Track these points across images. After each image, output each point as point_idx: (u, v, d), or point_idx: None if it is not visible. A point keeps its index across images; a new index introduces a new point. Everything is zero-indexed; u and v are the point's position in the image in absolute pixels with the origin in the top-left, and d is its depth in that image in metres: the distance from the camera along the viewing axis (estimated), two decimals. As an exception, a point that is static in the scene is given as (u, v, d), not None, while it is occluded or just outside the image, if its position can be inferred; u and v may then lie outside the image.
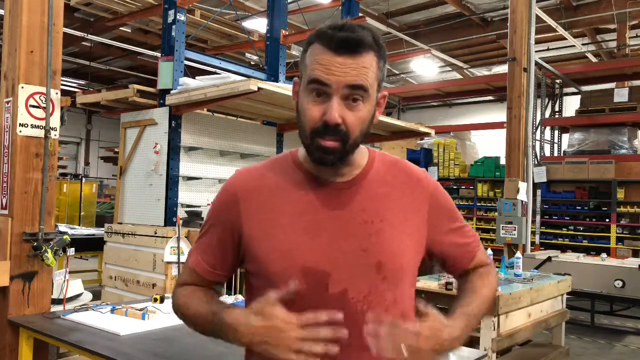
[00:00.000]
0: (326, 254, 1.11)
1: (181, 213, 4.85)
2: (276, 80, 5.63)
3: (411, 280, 1.21)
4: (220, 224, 1.22)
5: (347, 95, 1.08)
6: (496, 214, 7.73)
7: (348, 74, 1.07)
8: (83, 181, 13.73)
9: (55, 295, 3.19)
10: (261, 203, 1.16)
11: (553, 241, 9.32)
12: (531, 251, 7.51)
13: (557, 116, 11.19)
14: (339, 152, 1.10)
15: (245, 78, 4.40)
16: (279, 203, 1.15)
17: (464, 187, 11.01)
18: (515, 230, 7.16)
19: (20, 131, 2.93)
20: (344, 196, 1.15)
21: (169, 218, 4.73)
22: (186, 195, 5.07)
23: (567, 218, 9.42)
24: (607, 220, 8.96)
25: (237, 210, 1.18)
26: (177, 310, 1.31)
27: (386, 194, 1.18)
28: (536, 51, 7.86)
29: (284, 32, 5.80)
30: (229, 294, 4.52)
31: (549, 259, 6.70)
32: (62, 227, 7.46)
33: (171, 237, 4.44)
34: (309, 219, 1.13)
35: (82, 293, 3.62)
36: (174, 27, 4.84)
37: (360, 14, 6.66)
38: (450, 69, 14.32)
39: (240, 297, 3.43)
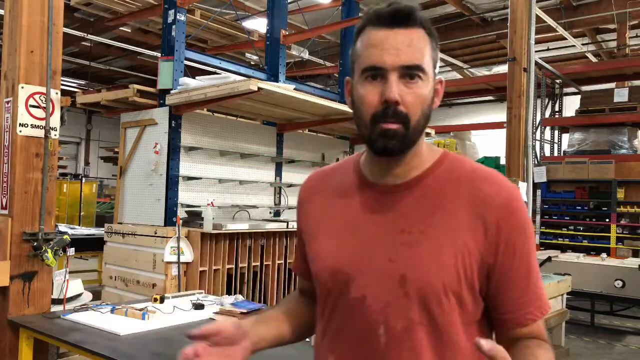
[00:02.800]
0: (353, 258, 1.07)
1: (181, 213, 4.85)
2: (276, 80, 5.63)
3: (464, 317, 1.03)
4: (297, 225, 1.28)
5: (404, 75, 1.01)
6: (496, 214, 7.72)
7: (403, 52, 1.00)
8: (83, 181, 13.74)
9: (55, 295, 3.19)
10: (318, 205, 1.19)
11: (553, 241, 9.32)
12: (531, 251, 7.50)
13: (557, 116, 11.19)
14: (402, 137, 1.02)
15: (245, 78, 4.40)
16: (329, 205, 1.17)
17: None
18: (515, 230, 7.15)
19: (20, 131, 2.93)
20: (389, 200, 1.08)
21: (169, 218, 4.73)
22: (186, 195, 5.07)
23: (567, 218, 9.42)
24: (607, 220, 8.96)
25: (301, 211, 1.24)
26: None
27: (438, 206, 1.04)
28: (536, 51, 7.85)
29: (284, 32, 5.80)
30: (229, 293, 4.52)
31: (549, 259, 6.70)
32: (62, 227, 7.46)
33: (171, 237, 4.44)
34: (346, 222, 1.11)
35: (82, 293, 3.62)
36: (174, 27, 4.84)
37: (360, 14, 6.66)
38: (450, 69, 14.32)
39: (240, 297, 3.43)
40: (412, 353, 1.01)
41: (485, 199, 1.03)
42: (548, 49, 12.12)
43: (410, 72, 1.01)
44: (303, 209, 1.23)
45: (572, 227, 9.31)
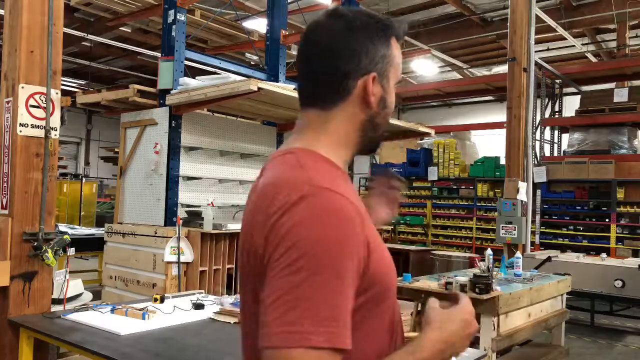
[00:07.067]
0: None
1: (181, 213, 4.85)
2: (276, 80, 5.64)
3: None
4: (353, 260, 0.88)
5: None
6: (496, 214, 7.73)
7: None
8: (83, 181, 13.73)
9: (55, 295, 3.20)
10: (367, 216, 0.98)
11: (553, 241, 9.32)
12: (531, 251, 7.51)
13: (557, 116, 11.19)
14: None
15: (245, 78, 4.40)
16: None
17: (464, 187, 11.01)
18: (515, 230, 7.16)
19: (20, 131, 2.93)
20: None
21: (169, 218, 4.73)
22: (186, 195, 5.07)
23: (567, 218, 9.41)
24: (607, 220, 8.95)
25: (364, 232, 0.92)
26: None
27: None
28: (536, 51, 7.86)
29: (284, 32, 5.80)
30: (229, 293, 4.52)
31: (549, 259, 6.70)
32: (62, 227, 7.46)
33: (171, 237, 4.44)
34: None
35: (82, 293, 3.62)
36: (174, 27, 4.84)
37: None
38: (450, 69, 14.32)
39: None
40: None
41: None
42: (548, 49, 12.13)
43: None
44: (366, 230, 0.93)
45: (572, 227, 9.30)
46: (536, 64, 7.98)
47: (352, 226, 0.89)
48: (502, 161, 9.08)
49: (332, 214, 0.88)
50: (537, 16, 7.78)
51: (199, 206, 5.03)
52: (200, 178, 5.24)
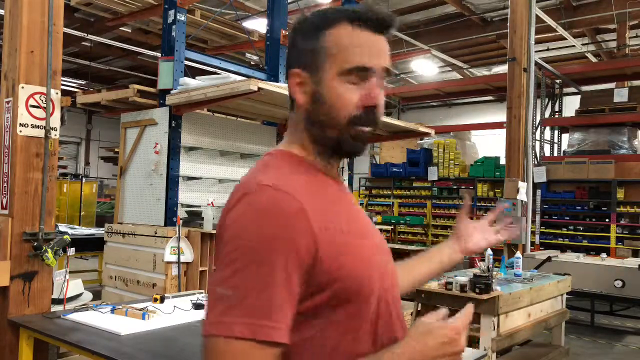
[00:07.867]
0: (379, 252, 1.05)
1: (181, 213, 4.85)
2: (276, 80, 5.63)
3: None
4: (288, 255, 0.87)
5: (381, 79, 1.02)
6: (496, 214, 7.72)
7: (386, 57, 1.02)
8: (83, 181, 13.74)
9: (55, 295, 3.20)
10: (324, 212, 0.94)
11: (553, 241, 9.32)
12: (531, 251, 7.51)
13: (557, 116, 11.18)
14: (368, 139, 1.04)
15: (245, 78, 4.40)
16: (331, 209, 0.97)
17: (464, 187, 11.02)
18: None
19: (20, 131, 2.94)
20: (350, 195, 1.09)
21: (169, 218, 4.73)
22: (186, 195, 5.07)
23: (567, 218, 9.41)
24: (607, 220, 8.95)
25: (309, 228, 0.90)
26: None
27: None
28: (536, 51, 7.86)
29: (284, 32, 5.80)
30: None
31: (548, 259, 6.70)
32: (62, 227, 7.46)
33: (171, 237, 4.44)
34: (356, 221, 1.03)
35: (82, 293, 3.62)
36: (174, 27, 4.85)
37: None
38: (450, 69, 14.32)
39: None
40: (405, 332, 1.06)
41: None
42: (548, 49, 12.13)
43: (384, 76, 1.03)
44: (312, 221, 0.91)
45: (572, 227, 9.31)
46: (536, 64, 7.98)
47: (287, 220, 0.88)
48: (502, 161, 9.08)
49: (267, 210, 0.89)
50: (537, 16, 7.78)
51: (199, 206, 5.03)
52: (200, 178, 5.24)
